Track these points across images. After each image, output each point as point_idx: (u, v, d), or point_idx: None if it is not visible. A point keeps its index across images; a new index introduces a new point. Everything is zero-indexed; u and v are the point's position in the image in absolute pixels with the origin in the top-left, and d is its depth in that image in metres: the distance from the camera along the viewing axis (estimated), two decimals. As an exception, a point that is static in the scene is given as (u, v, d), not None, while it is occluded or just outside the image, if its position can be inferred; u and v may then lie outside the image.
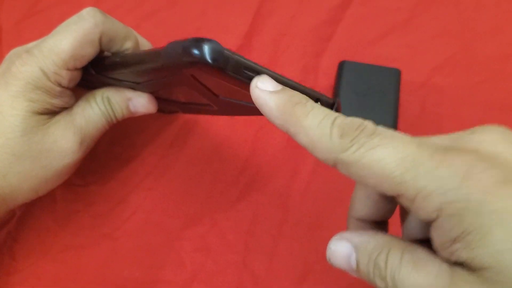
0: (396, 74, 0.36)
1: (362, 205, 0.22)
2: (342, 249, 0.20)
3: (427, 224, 0.18)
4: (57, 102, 0.28)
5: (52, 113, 0.28)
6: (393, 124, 0.34)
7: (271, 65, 0.41)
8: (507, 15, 0.43)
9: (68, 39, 0.27)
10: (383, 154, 0.18)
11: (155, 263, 0.32)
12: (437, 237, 0.18)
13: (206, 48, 0.20)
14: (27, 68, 0.27)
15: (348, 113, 0.34)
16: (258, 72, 0.21)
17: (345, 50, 0.42)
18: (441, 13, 0.43)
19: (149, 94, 0.30)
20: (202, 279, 0.33)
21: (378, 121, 0.33)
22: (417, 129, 0.37)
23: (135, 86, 0.30)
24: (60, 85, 0.27)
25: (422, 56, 0.41)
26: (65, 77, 0.27)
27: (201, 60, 0.20)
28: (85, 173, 0.36)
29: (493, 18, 0.43)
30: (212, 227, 0.34)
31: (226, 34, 0.43)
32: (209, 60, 0.20)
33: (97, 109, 0.29)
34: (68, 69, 0.27)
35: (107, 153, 0.37)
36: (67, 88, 0.28)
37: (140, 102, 0.30)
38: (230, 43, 0.42)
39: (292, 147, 0.37)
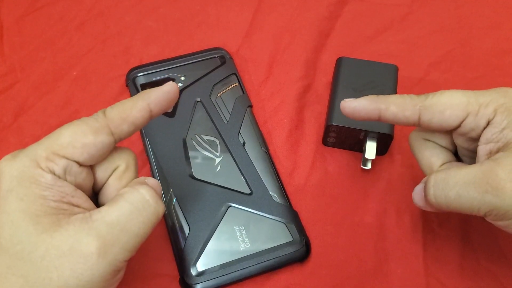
0: (393, 70, 0.36)
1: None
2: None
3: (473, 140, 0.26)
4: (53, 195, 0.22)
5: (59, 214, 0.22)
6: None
7: (272, 62, 0.41)
8: (503, 11, 0.43)
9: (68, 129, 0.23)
10: (449, 93, 0.26)
11: (154, 256, 0.33)
12: (487, 133, 0.25)
13: None
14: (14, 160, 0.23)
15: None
16: None
17: (343, 46, 0.42)
18: (438, 9, 0.44)
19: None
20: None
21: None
22: (414, 124, 0.38)
23: None
24: (52, 172, 0.22)
25: (419, 52, 0.41)
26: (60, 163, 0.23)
27: None
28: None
29: (489, 14, 0.43)
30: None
31: (227, 31, 0.43)
32: None
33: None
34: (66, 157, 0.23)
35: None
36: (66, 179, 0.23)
37: None
38: (231, 39, 0.42)
39: (292, 144, 0.37)
